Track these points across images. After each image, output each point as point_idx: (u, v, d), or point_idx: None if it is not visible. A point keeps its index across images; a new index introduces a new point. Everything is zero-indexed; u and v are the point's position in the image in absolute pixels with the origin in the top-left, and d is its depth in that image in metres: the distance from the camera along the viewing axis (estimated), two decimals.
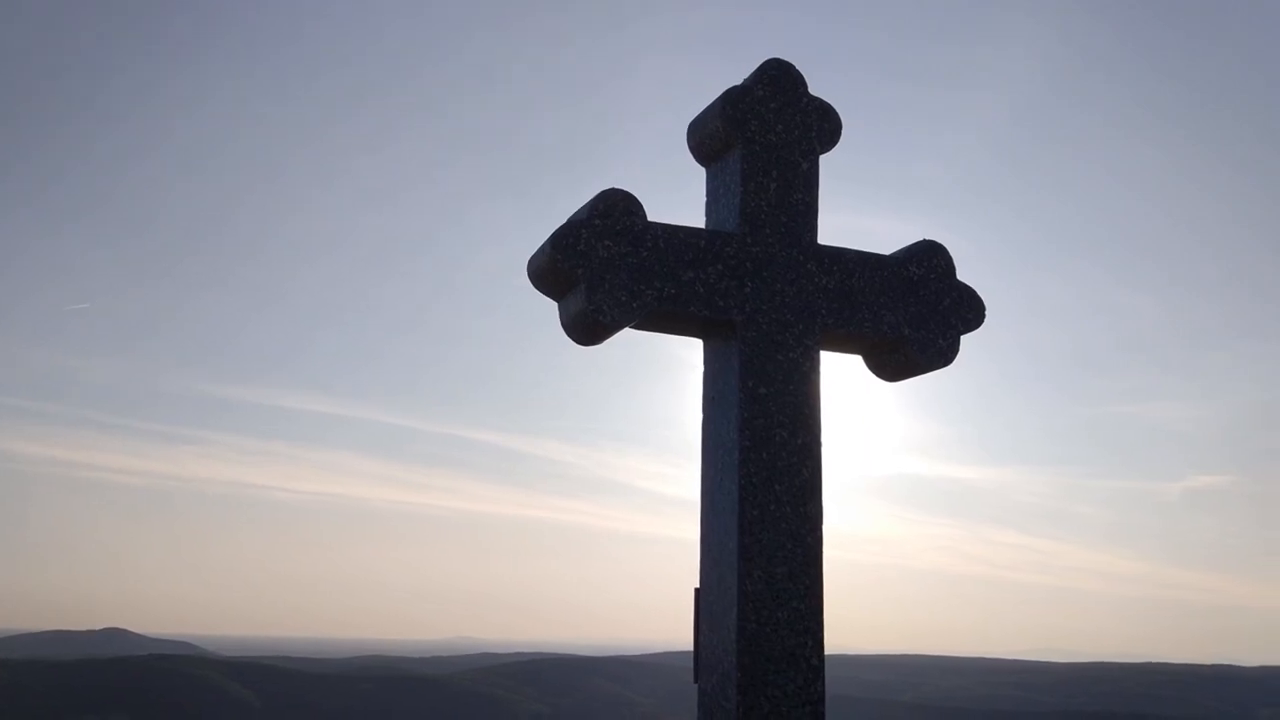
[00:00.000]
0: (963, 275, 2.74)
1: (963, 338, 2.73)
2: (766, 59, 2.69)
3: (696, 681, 2.50)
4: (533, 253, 2.53)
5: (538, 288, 2.54)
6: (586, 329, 2.48)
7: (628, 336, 2.63)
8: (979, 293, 2.74)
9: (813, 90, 2.71)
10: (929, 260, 2.72)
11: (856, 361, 2.78)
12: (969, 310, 2.72)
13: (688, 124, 2.76)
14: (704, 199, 2.77)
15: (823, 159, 2.73)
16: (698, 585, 2.56)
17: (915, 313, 2.69)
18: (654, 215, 2.54)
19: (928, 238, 2.75)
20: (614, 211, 2.48)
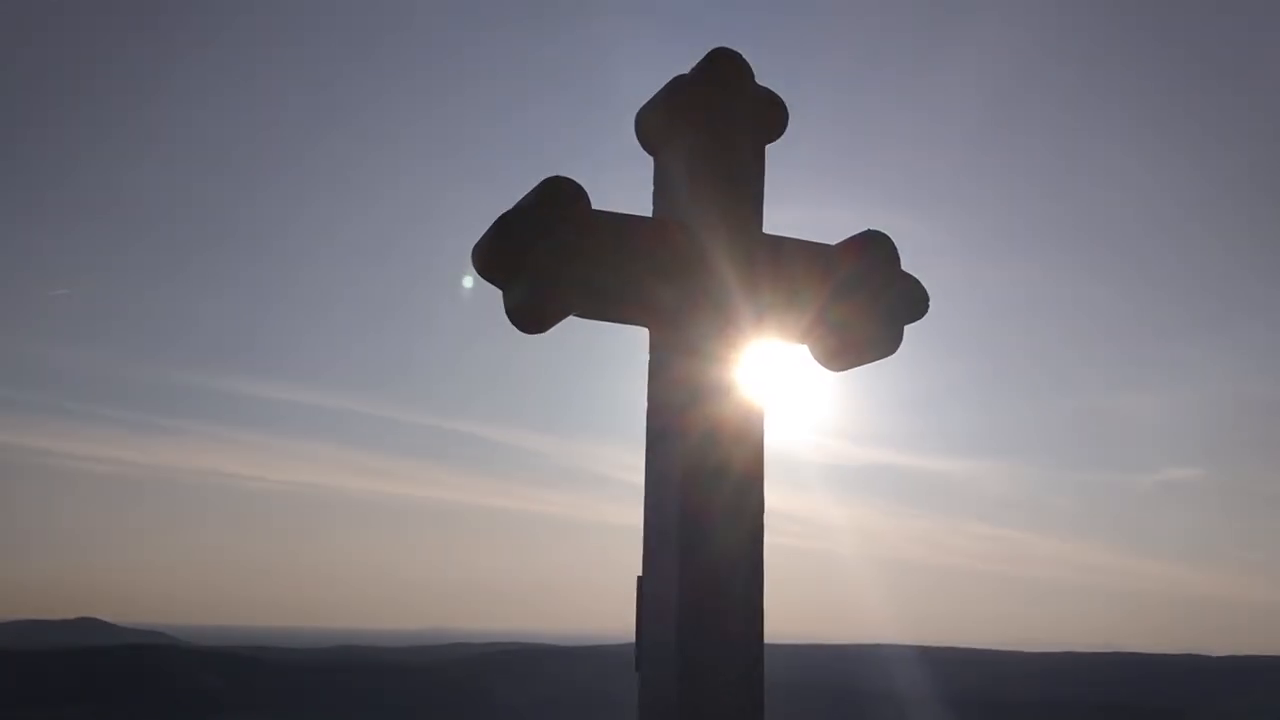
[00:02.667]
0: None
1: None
2: (714, 48, 2.69)
3: (638, 670, 2.50)
4: (477, 240, 2.52)
5: (482, 275, 2.53)
6: (530, 317, 2.47)
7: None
8: (925, 284, 2.75)
9: (770, 76, 2.71)
10: (873, 250, 2.73)
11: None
12: (913, 300, 2.73)
13: (636, 112, 2.75)
14: (651, 187, 2.77)
15: (772, 148, 2.74)
16: (640, 574, 2.56)
17: (859, 302, 2.69)
18: (600, 203, 2.54)
19: (872, 228, 2.75)
20: (559, 199, 2.47)
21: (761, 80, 2.72)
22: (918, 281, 2.74)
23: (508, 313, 2.51)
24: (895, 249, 2.73)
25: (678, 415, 2.52)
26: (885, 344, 2.71)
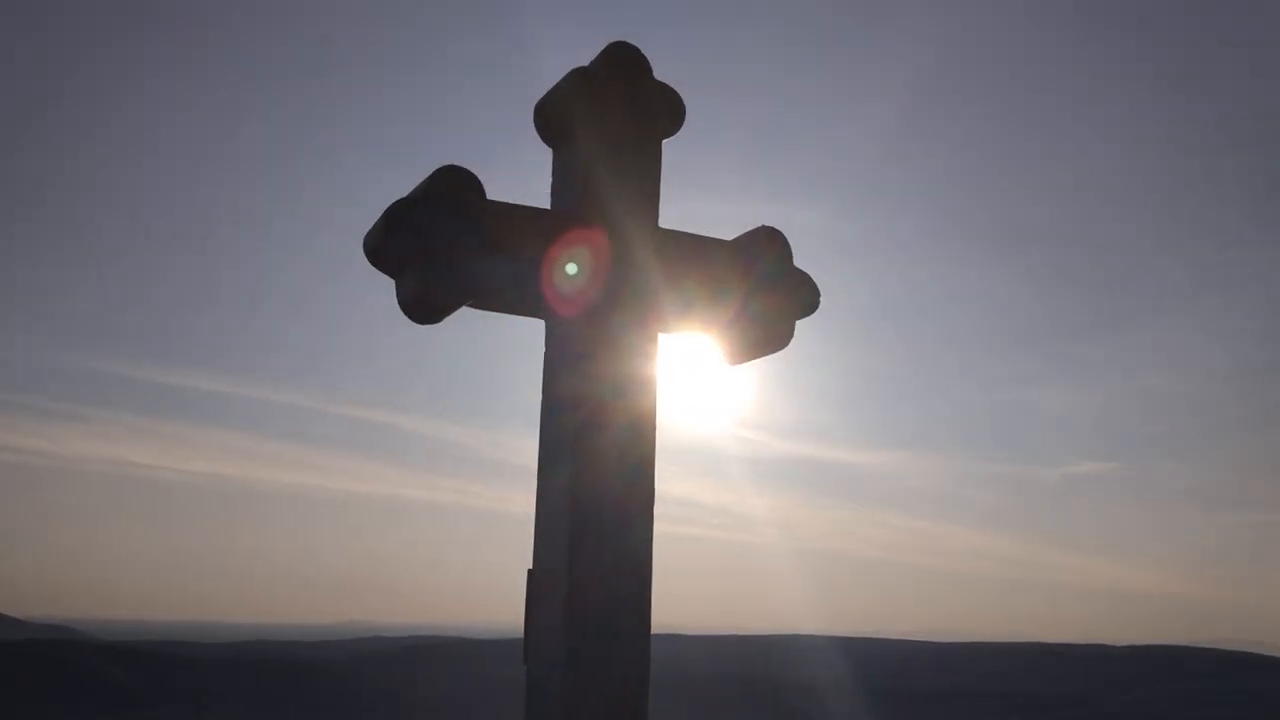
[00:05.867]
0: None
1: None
2: (612, 41, 2.68)
3: (526, 663, 2.49)
4: (368, 229, 2.48)
5: (374, 265, 2.49)
6: (422, 308, 2.44)
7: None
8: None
9: (669, 72, 2.71)
10: (767, 246, 2.75)
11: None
12: (805, 296, 2.76)
13: (535, 103, 2.74)
14: (549, 179, 2.75)
15: (676, 142, 2.75)
16: (531, 567, 2.55)
17: (752, 297, 2.71)
18: (498, 194, 2.52)
19: (766, 224, 2.78)
20: (452, 189, 2.45)
21: (671, 74, 2.72)
22: (809, 278, 2.77)
23: (400, 304, 2.48)
24: (789, 245, 2.76)
25: (570, 407, 2.52)
26: (778, 339, 2.74)
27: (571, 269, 2.53)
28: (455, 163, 2.47)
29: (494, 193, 2.51)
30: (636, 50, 2.68)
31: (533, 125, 2.75)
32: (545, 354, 2.65)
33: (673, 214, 2.72)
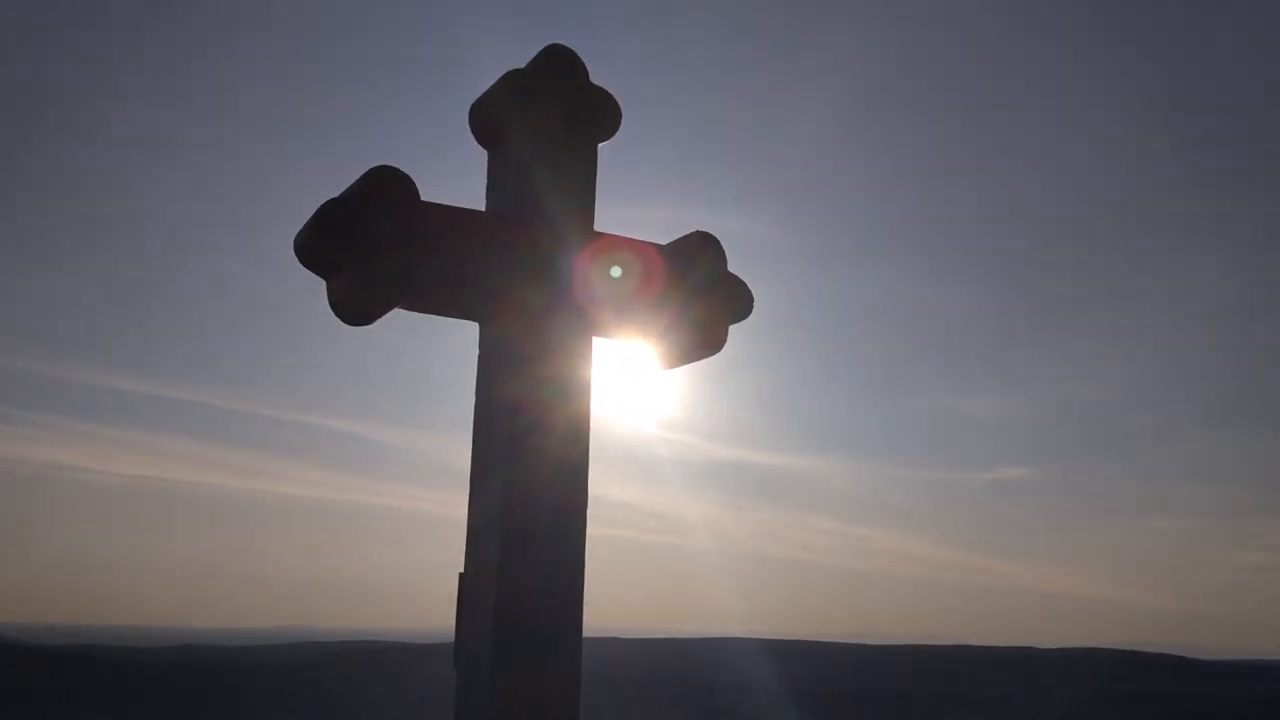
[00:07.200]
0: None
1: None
2: (549, 44, 2.68)
3: (456, 667, 2.48)
4: (299, 229, 2.45)
5: (305, 265, 2.46)
6: (353, 309, 2.41)
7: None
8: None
9: (605, 75, 2.72)
10: (701, 250, 2.76)
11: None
12: (738, 301, 2.78)
13: (470, 104, 2.73)
14: (484, 181, 2.75)
15: (611, 145, 2.75)
16: (462, 571, 2.54)
17: (686, 302, 2.73)
18: (432, 196, 2.50)
19: (700, 229, 2.79)
20: (384, 189, 2.42)
21: (607, 78, 2.73)
22: (743, 283, 2.79)
23: (331, 305, 2.45)
24: (723, 250, 2.77)
25: (504, 411, 2.51)
26: (711, 344, 2.75)
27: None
28: (389, 163, 2.45)
29: (428, 194, 2.49)
30: (572, 53, 2.69)
31: (468, 127, 2.74)
32: (479, 357, 2.64)
33: (608, 218, 2.73)
